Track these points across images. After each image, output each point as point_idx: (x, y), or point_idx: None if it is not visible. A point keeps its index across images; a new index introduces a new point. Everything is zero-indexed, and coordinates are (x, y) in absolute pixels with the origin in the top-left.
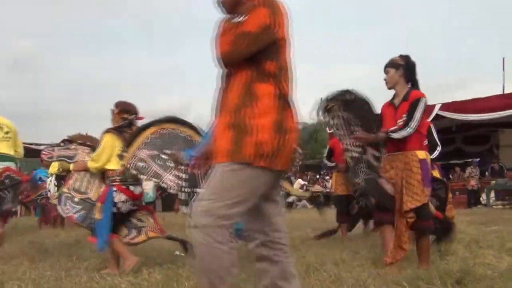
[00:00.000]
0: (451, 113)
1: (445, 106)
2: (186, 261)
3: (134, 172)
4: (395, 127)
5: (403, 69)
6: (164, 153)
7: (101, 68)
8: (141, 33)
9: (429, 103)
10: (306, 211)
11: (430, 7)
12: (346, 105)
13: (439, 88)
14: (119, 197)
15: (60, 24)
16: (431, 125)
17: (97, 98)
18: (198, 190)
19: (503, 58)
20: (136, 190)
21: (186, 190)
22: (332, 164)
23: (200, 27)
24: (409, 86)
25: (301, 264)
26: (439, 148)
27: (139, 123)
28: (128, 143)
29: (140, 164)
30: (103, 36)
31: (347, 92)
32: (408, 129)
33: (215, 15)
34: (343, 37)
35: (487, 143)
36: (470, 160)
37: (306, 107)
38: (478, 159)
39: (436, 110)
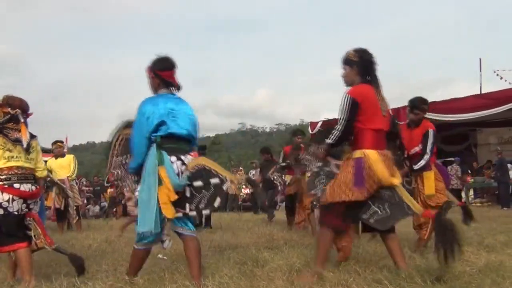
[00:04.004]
0: (430, 114)
1: None
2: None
3: (118, 182)
4: None
5: (358, 66)
6: (124, 159)
7: (83, 71)
8: (125, 36)
9: None
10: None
11: (412, 10)
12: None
13: (418, 88)
14: (2, 196)
15: (40, 28)
16: (430, 131)
17: (78, 102)
18: None
19: (480, 59)
20: (24, 187)
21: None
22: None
23: (182, 31)
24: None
25: (284, 264)
26: (425, 157)
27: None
28: (107, 154)
29: (118, 171)
30: (85, 38)
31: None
32: (334, 130)
33: (201, 21)
34: (332, 39)
35: (465, 142)
36: (449, 159)
37: (296, 107)
38: (458, 158)
39: None
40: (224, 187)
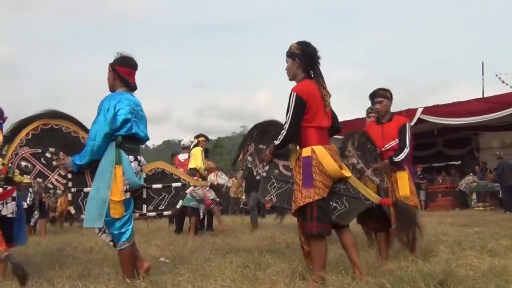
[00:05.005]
0: (433, 117)
1: (427, 110)
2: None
3: (16, 171)
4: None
5: (299, 59)
6: (49, 152)
7: (81, 72)
8: (123, 37)
9: (412, 107)
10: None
11: (413, 13)
12: (259, 140)
13: (419, 91)
14: None
15: (40, 29)
16: (407, 124)
17: (77, 102)
18: (86, 189)
19: (482, 63)
20: None
21: (72, 190)
22: None
23: (182, 33)
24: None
25: (286, 268)
26: (405, 151)
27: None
28: (7, 140)
29: (23, 163)
30: (82, 40)
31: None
32: (283, 131)
33: (200, 23)
34: (333, 41)
35: (467, 146)
36: (452, 163)
37: None
38: (460, 161)
39: (418, 114)
40: (187, 191)
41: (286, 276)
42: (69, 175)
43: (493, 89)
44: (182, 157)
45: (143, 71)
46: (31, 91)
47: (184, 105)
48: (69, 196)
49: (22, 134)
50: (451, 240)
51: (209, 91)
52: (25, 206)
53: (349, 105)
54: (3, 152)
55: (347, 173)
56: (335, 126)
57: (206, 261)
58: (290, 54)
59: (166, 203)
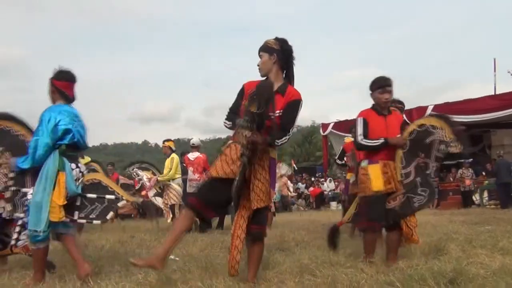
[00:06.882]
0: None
1: (438, 108)
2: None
3: None
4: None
5: (277, 55)
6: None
7: (91, 72)
8: (131, 38)
9: (422, 104)
10: (300, 213)
11: (425, 11)
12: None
13: (431, 89)
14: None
15: (49, 30)
16: (406, 121)
17: (89, 103)
18: (24, 189)
19: (494, 59)
20: None
21: (12, 188)
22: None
23: (193, 34)
24: (284, 76)
25: (296, 266)
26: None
27: None
28: None
29: None
30: (94, 41)
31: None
32: (288, 135)
33: (209, 23)
34: (342, 41)
35: (479, 144)
36: (463, 160)
37: (306, 109)
38: (471, 159)
39: (429, 112)
40: (119, 204)
41: (295, 275)
42: (11, 175)
43: (506, 86)
44: (191, 156)
45: (153, 70)
46: (41, 92)
47: (193, 104)
48: (8, 194)
49: None
50: (462, 238)
51: (218, 90)
52: None
53: (358, 104)
54: None
55: None
56: None
57: (215, 258)
58: (267, 49)
59: (97, 213)
